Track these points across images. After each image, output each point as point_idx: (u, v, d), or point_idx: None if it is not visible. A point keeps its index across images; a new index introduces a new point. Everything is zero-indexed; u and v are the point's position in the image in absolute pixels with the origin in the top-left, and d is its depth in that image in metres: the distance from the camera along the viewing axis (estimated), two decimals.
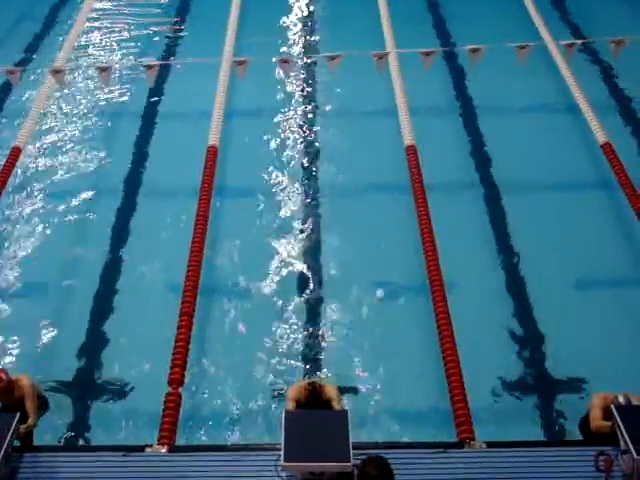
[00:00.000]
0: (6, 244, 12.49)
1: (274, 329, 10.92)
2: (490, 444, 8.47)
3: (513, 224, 12.68)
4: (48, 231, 12.71)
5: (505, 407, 9.95)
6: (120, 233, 12.74)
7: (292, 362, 10.48)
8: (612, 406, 8.12)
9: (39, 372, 9.90)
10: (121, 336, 10.96)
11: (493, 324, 10.95)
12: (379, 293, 11.50)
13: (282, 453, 7.59)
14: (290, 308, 11.27)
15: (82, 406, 10.08)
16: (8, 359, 10.47)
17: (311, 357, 10.57)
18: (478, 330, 10.62)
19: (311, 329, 10.95)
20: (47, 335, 10.95)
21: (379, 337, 10.77)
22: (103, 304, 11.44)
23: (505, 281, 11.67)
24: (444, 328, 10.00)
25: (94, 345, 10.84)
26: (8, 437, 7.87)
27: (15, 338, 10.83)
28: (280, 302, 11.38)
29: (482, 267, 11.90)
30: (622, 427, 7.87)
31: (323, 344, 10.73)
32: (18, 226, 12.83)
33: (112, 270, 12.01)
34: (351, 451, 7.56)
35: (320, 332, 10.92)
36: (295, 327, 10.96)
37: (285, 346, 10.69)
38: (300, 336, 10.84)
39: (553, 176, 13.63)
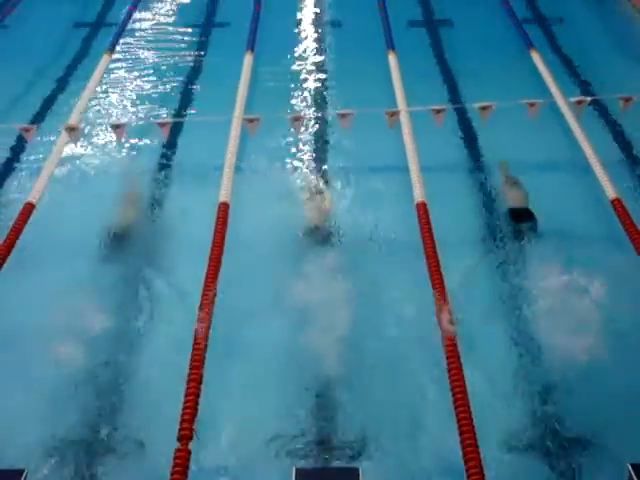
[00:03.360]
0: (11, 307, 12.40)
1: (285, 384, 10.81)
2: None
3: (525, 281, 12.59)
4: (58, 286, 12.62)
5: (519, 460, 9.79)
6: (130, 290, 12.71)
7: (305, 415, 10.34)
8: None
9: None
10: (128, 392, 10.83)
11: (507, 377, 10.83)
12: (390, 348, 11.40)
13: None
14: (299, 363, 11.14)
15: (88, 460, 9.94)
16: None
17: (322, 410, 10.45)
18: (492, 382, 10.56)
19: (323, 383, 10.83)
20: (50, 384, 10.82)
21: (389, 389, 10.66)
22: (109, 359, 11.30)
23: (520, 335, 11.59)
24: (457, 384, 9.98)
25: (100, 398, 10.69)
26: None
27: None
28: (288, 359, 11.24)
29: (495, 323, 11.81)
30: None
31: (335, 398, 10.64)
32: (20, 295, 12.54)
33: (119, 326, 11.89)
34: None
35: (332, 387, 10.80)
36: (307, 382, 10.85)
37: (298, 400, 10.55)
38: (313, 390, 10.73)
39: (563, 231, 13.61)
